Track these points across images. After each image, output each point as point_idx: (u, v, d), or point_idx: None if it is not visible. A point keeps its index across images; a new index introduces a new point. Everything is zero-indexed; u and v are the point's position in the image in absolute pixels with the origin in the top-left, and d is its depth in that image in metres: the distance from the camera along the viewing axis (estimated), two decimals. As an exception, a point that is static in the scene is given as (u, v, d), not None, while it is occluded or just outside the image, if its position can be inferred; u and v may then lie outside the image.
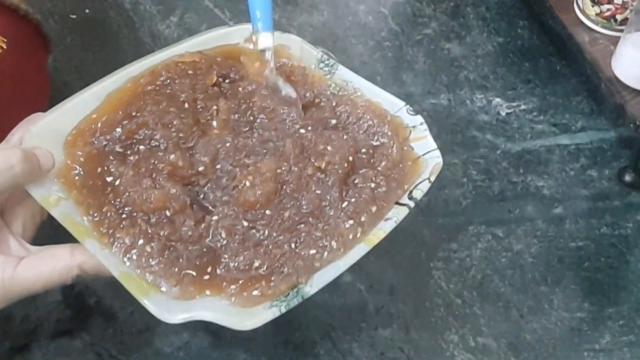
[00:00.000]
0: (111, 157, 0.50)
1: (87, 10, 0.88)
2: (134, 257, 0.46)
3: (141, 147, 0.51)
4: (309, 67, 0.59)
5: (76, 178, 0.49)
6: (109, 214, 0.48)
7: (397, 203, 0.52)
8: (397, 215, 0.51)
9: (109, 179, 0.49)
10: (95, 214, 0.47)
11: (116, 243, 0.46)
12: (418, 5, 0.90)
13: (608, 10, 0.76)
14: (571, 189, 0.73)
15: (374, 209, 0.51)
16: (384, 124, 0.56)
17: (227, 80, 0.57)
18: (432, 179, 0.53)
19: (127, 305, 0.62)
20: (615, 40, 0.74)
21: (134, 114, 0.52)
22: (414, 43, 0.86)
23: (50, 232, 0.48)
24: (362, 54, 0.84)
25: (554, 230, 0.70)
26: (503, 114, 0.79)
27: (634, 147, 0.72)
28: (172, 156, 0.50)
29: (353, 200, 0.51)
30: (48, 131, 0.49)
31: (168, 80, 0.55)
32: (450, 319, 0.62)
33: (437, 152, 0.54)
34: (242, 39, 0.58)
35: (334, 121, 0.56)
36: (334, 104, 0.57)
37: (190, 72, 0.57)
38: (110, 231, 0.47)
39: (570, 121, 0.79)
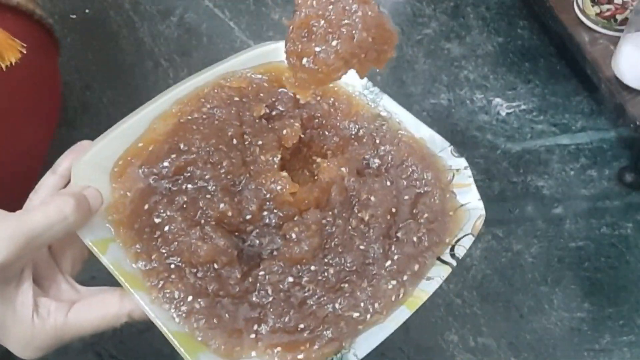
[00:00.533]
0: (159, 194, 0.48)
1: (87, 10, 0.88)
2: (183, 314, 0.45)
3: (189, 186, 0.49)
4: (352, 93, 0.56)
5: (124, 216, 0.47)
6: (157, 264, 0.46)
7: (439, 259, 0.49)
8: (439, 274, 0.48)
9: (157, 221, 0.47)
10: (144, 262, 0.46)
11: (165, 297, 0.45)
12: (418, 5, 0.90)
13: (608, 10, 0.76)
14: (571, 189, 0.73)
15: (416, 267, 0.49)
16: (427, 170, 0.52)
17: (273, 112, 0.55)
18: (475, 234, 0.49)
19: (127, 305, 0.62)
20: (615, 40, 0.74)
21: (182, 146, 0.50)
22: (414, 43, 0.86)
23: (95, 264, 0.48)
24: (362, 54, 0.84)
25: (554, 230, 0.70)
26: (503, 114, 0.79)
27: (634, 147, 0.72)
28: (222, 205, 0.48)
29: (396, 258, 0.49)
30: (95, 162, 0.48)
31: (214, 109, 0.53)
32: (450, 319, 0.62)
33: (481, 204, 0.50)
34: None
35: (376, 162, 0.54)
36: (377, 141, 0.54)
37: (236, 98, 0.54)
38: (160, 284, 0.46)
39: (570, 121, 0.79)
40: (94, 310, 0.44)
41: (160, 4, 0.89)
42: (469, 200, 0.51)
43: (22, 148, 0.54)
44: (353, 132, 0.55)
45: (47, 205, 0.43)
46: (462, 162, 0.53)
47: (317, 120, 0.55)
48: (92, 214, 0.45)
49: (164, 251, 0.47)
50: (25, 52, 0.55)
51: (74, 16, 0.87)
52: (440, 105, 0.80)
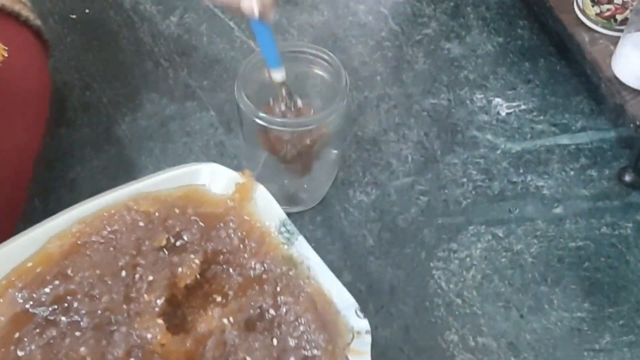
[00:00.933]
0: (33, 322, 0.46)
1: (87, 10, 0.88)
2: None
3: (63, 318, 0.47)
4: (268, 229, 0.53)
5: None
6: None
7: None
8: None
9: (20, 354, 0.45)
10: None
11: None
12: (418, 5, 0.90)
13: (608, 10, 0.76)
14: (571, 189, 0.73)
15: None
16: (323, 330, 0.49)
17: (177, 242, 0.52)
18: None
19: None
20: (615, 40, 0.74)
21: (69, 272, 0.48)
22: (414, 43, 0.86)
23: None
24: (362, 54, 0.84)
25: (554, 230, 0.70)
26: (503, 114, 0.79)
27: (634, 147, 0.72)
28: (82, 349, 0.46)
29: None
30: None
31: (113, 234, 0.51)
32: (450, 319, 0.62)
33: None
34: (208, 180, 0.54)
35: (272, 313, 0.50)
36: (278, 289, 0.51)
37: (141, 224, 0.52)
38: None
39: (570, 121, 0.79)
40: None
41: (160, 4, 0.89)
42: None
43: (9, 149, 0.54)
44: (257, 274, 0.51)
45: None
46: (364, 325, 0.49)
47: (222, 257, 0.52)
48: None
49: None
50: (7, 55, 0.55)
51: (74, 16, 0.87)
52: (440, 105, 0.80)
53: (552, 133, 0.78)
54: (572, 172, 0.74)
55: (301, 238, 0.52)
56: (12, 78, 0.59)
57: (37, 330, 0.46)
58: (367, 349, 0.47)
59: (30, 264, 0.48)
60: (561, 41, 0.81)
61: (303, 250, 0.52)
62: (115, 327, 0.47)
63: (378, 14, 0.89)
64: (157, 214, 0.52)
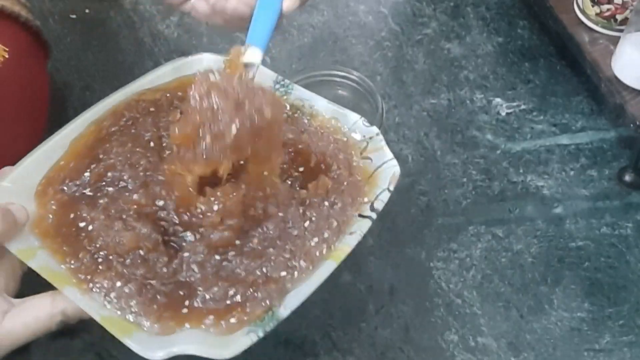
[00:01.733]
0: (82, 202, 0.51)
1: (87, 10, 0.88)
2: (114, 299, 0.47)
3: (110, 189, 0.52)
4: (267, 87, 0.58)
5: (50, 227, 0.50)
6: (85, 260, 0.49)
7: (360, 215, 0.53)
8: (360, 228, 0.52)
9: (82, 225, 0.50)
10: (72, 261, 0.49)
11: (95, 288, 0.48)
12: (418, 5, 0.90)
13: (608, 10, 0.76)
14: (571, 189, 0.73)
15: (334, 224, 0.52)
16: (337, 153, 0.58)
17: None
18: (392, 188, 0.53)
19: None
20: (615, 40, 0.74)
21: (101, 156, 0.53)
22: (414, 43, 0.86)
23: (36, 279, 0.49)
24: (362, 54, 0.84)
25: (554, 230, 0.70)
26: (503, 114, 0.79)
27: (634, 147, 0.72)
28: (135, 195, 0.51)
29: (313, 218, 0.52)
30: (18, 184, 0.51)
31: (131, 121, 0.56)
32: (450, 319, 0.62)
33: (394, 162, 0.55)
34: (200, 68, 0.57)
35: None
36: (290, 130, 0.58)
37: (152, 109, 0.57)
38: (88, 277, 0.48)
39: (570, 121, 0.79)
40: (26, 314, 0.46)
41: (160, 3, 0.89)
42: (384, 160, 0.56)
43: (8, 151, 0.55)
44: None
45: None
46: (374, 130, 0.57)
47: None
48: (17, 226, 0.49)
49: (90, 248, 0.49)
50: (8, 56, 0.55)
51: (74, 16, 0.87)
52: (440, 105, 0.80)
53: (552, 133, 0.78)
54: (572, 172, 0.74)
55: (296, 86, 0.59)
56: (12, 79, 0.59)
57: (89, 204, 0.51)
58: (383, 144, 0.56)
59: (62, 163, 0.53)
60: (561, 41, 0.81)
61: (300, 94, 0.60)
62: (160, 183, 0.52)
63: (378, 14, 0.89)
64: (163, 99, 0.58)
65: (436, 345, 0.62)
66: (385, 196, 0.53)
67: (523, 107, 0.80)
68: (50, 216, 0.50)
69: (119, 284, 0.48)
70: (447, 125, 0.78)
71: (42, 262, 0.48)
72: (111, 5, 0.89)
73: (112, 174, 0.53)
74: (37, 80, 0.66)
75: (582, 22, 0.78)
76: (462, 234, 0.69)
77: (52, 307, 0.46)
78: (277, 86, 0.60)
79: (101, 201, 0.51)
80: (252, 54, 0.57)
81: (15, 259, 0.48)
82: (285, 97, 0.60)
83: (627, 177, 0.73)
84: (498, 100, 0.80)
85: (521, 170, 0.74)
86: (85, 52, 0.84)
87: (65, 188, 0.52)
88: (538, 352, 0.62)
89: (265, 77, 0.60)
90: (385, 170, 0.55)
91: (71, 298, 0.46)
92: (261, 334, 0.46)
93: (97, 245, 0.49)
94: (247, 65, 0.56)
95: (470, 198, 0.72)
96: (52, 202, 0.51)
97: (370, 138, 0.57)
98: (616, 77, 0.72)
